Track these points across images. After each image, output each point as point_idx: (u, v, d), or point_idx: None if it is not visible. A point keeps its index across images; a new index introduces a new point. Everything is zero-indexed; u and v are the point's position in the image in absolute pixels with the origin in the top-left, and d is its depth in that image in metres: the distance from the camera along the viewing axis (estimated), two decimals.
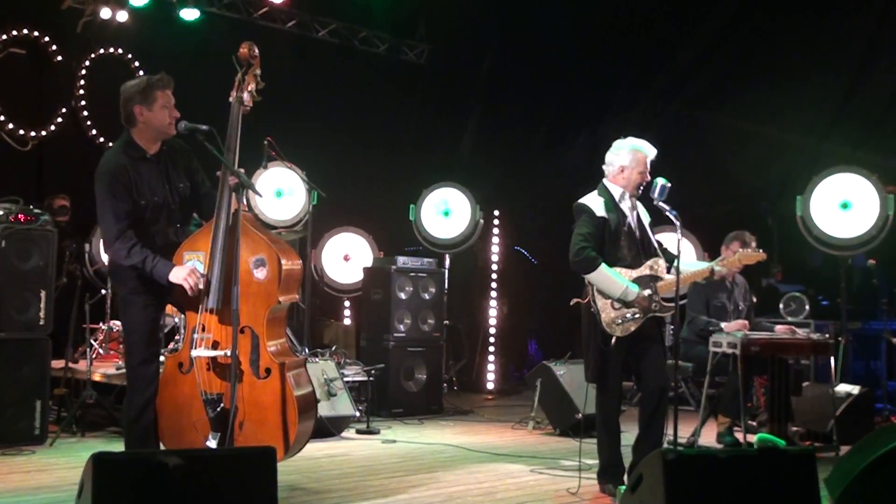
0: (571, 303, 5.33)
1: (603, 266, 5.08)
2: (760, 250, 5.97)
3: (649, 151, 5.30)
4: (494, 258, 10.52)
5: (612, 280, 5.09)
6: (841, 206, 8.16)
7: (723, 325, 6.77)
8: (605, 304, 5.13)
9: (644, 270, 5.22)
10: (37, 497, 4.90)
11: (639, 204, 5.38)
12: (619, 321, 5.13)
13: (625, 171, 5.26)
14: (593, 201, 5.25)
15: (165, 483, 3.33)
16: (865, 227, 8.04)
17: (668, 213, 5.20)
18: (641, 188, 5.31)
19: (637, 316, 5.14)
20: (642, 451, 5.15)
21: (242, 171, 4.67)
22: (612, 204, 5.25)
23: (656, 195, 5.21)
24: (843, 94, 10.00)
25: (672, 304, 5.22)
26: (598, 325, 5.14)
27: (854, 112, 9.92)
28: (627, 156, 5.27)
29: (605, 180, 5.35)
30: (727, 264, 5.61)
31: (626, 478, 5.05)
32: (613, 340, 5.12)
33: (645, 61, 11.18)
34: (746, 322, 6.78)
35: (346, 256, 10.19)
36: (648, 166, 5.29)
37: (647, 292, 5.14)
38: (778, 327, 6.93)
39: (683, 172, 7.93)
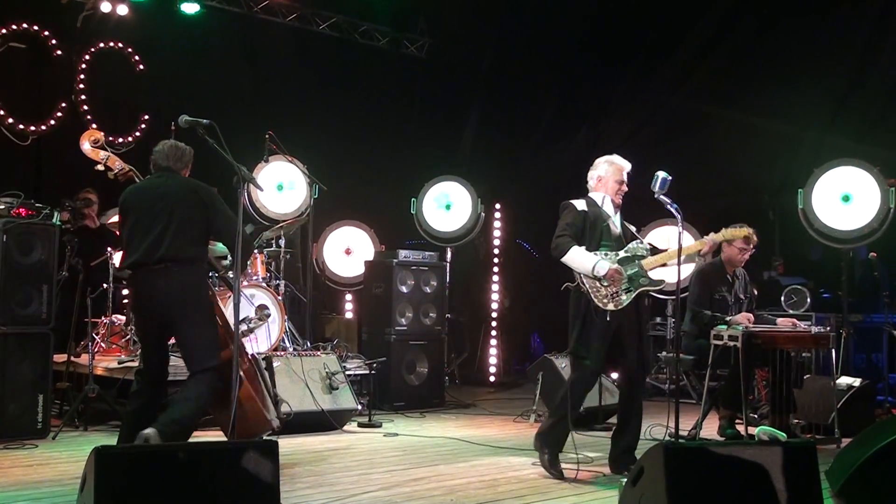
0: (563, 287, 5.54)
1: (574, 248, 5.37)
2: (747, 227, 6.30)
3: (624, 164, 5.65)
4: (496, 252, 10.51)
5: (582, 259, 5.37)
6: (842, 198, 8.17)
7: (728, 318, 6.75)
8: (593, 283, 5.37)
9: (628, 252, 5.48)
10: (39, 490, 4.90)
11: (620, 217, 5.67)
12: (611, 296, 5.38)
13: (602, 179, 5.62)
14: (576, 201, 5.61)
15: (167, 476, 3.34)
16: (866, 219, 8.05)
17: (668, 207, 5.26)
18: (621, 195, 5.61)
19: (629, 291, 5.39)
20: (623, 440, 5.53)
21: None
22: (595, 205, 5.58)
23: (657, 188, 5.33)
24: (845, 88, 9.99)
25: (658, 280, 5.51)
26: (590, 304, 5.37)
27: (855, 105, 9.91)
28: (603, 166, 5.65)
29: (589, 193, 5.69)
30: (712, 238, 5.81)
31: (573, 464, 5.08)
32: (608, 317, 5.36)
33: (646, 55, 11.17)
34: (751, 315, 6.77)
35: (348, 250, 10.18)
36: (625, 177, 5.63)
37: (630, 270, 5.40)
38: (779, 320, 6.93)
39: (684, 166, 7.96)
